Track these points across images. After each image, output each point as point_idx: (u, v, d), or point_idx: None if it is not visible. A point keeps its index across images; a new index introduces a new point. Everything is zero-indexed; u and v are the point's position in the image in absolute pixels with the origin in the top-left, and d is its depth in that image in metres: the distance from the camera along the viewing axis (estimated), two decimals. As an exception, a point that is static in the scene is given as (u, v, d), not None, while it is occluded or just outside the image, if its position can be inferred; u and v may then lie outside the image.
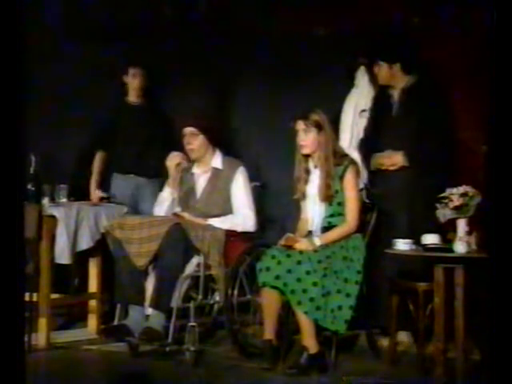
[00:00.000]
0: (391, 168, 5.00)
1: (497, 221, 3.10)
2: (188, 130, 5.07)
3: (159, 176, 5.51)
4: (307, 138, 4.60)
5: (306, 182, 4.68)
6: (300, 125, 4.62)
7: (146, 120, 5.68)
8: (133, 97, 5.76)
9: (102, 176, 5.72)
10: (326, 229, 4.60)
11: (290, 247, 4.50)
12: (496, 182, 3.14)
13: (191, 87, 5.94)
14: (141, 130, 5.67)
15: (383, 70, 5.12)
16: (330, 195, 4.58)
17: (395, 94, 5.11)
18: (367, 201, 4.88)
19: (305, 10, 5.68)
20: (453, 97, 5.11)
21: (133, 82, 5.70)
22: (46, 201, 5.04)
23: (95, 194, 5.58)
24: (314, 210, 4.66)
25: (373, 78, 5.31)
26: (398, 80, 5.11)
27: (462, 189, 4.29)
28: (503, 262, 3.08)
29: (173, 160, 5.17)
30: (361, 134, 5.31)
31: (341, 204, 4.59)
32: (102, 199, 5.51)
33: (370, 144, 5.16)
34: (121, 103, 5.76)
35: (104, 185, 5.70)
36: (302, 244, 4.51)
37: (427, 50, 5.24)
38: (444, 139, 4.97)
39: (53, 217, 4.98)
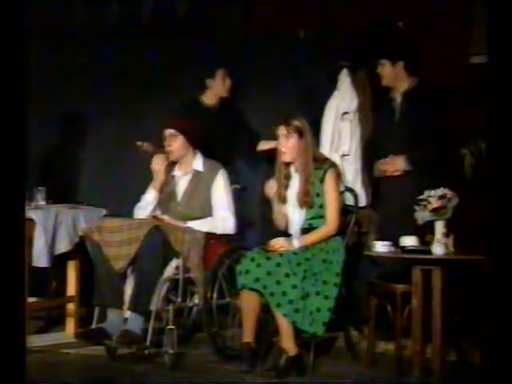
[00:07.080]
0: (395, 174, 4.88)
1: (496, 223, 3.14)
2: (168, 131, 5.05)
3: None
4: (288, 144, 4.60)
5: (287, 187, 4.68)
6: (281, 130, 4.63)
7: (226, 125, 5.48)
8: (211, 100, 5.55)
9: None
10: (307, 230, 4.60)
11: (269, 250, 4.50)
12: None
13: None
14: (222, 135, 5.47)
15: (386, 69, 4.98)
16: (309, 201, 4.58)
17: (398, 98, 4.98)
18: (348, 203, 4.88)
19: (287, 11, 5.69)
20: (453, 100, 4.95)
21: (222, 84, 5.51)
22: (24, 203, 5.01)
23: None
24: (293, 214, 4.66)
25: (356, 81, 5.30)
26: (401, 81, 4.97)
27: (440, 191, 4.30)
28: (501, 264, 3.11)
29: (159, 162, 5.13)
30: (342, 137, 5.30)
31: (322, 207, 4.60)
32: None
33: (373, 150, 5.08)
34: (197, 105, 5.54)
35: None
36: (279, 242, 4.51)
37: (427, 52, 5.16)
38: (444, 143, 4.81)
39: (31, 220, 4.94)
